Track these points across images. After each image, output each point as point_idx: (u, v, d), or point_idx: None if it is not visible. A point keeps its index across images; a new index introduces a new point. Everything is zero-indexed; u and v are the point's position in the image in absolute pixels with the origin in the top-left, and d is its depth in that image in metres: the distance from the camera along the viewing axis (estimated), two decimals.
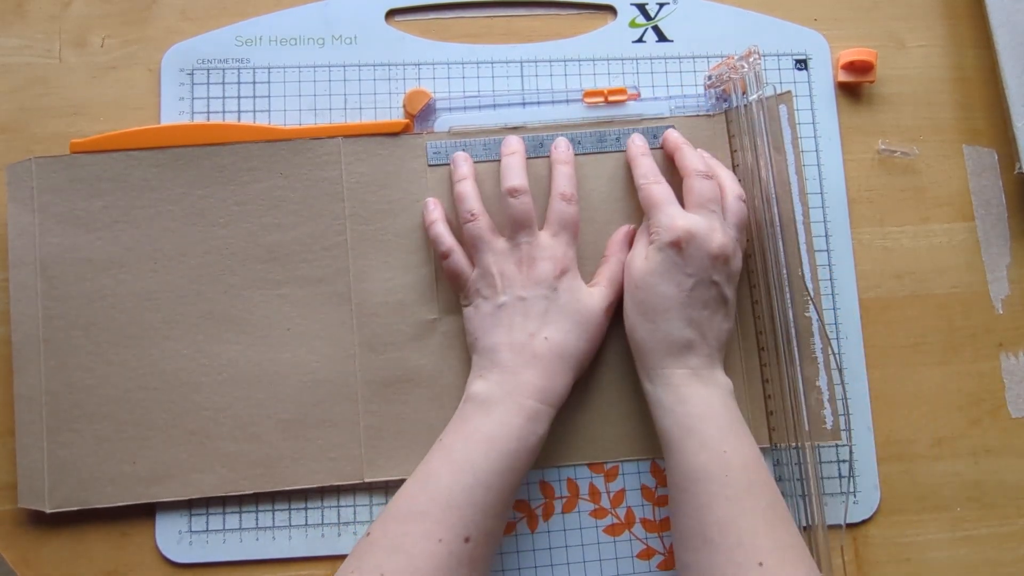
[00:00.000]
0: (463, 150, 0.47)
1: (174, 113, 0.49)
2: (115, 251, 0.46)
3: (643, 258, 0.43)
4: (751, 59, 0.47)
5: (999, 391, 0.50)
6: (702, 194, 0.43)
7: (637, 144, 0.47)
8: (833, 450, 0.48)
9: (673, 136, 0.47)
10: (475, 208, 0.44)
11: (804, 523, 0.45)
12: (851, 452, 0.48)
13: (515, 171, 0.45)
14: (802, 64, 0.52)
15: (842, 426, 0.48)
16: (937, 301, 0.51)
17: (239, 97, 0.49)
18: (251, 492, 0.45)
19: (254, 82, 0.49)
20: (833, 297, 0.50)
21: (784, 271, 0.46)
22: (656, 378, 0.42)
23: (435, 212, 0.46)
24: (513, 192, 0.44)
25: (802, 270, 0.47)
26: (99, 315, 0.46)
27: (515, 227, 0.44)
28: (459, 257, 0.45)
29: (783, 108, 0.48)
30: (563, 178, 0.45)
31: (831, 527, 0.46)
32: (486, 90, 0.50)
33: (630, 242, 0.46)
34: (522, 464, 0.40)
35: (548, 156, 0.47)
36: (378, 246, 0.47)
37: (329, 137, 0.47)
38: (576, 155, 0.47)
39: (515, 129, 0.48)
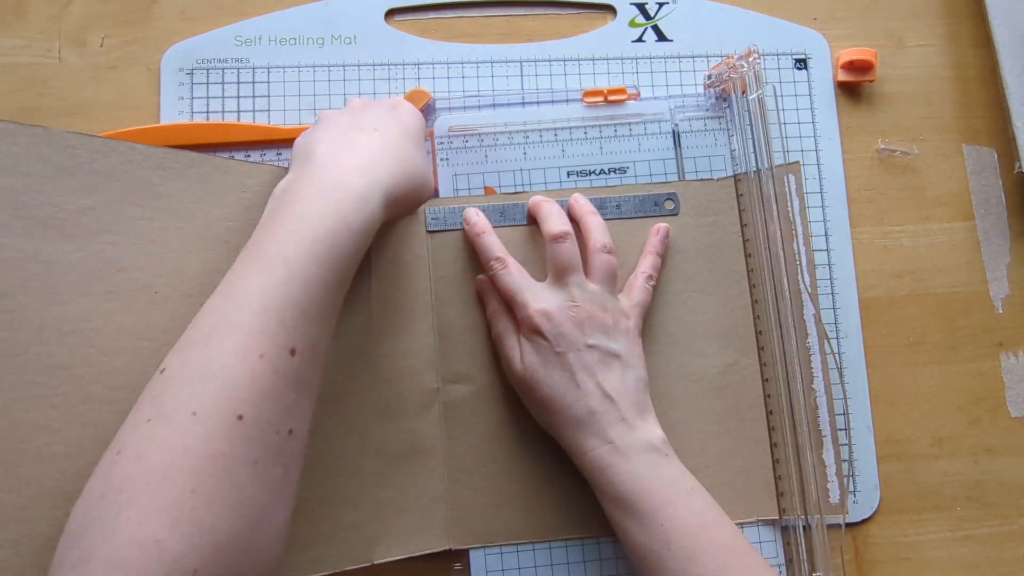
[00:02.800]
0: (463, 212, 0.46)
1: (174, 113, 0.49)
2: (101, 269, 0.35)
3: (519, 359, 0.42)
4: (751, 59, 0.47)
5: (999, 390, 0.50)
6: (556, 262, 0.43)
7: (472, 221, 0.45)
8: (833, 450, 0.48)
9: (533, 202, 0.46)
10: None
11: (803, 523, 0.45)
12: (851, 452, 0.48)
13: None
14: (802, 64, 0.52)
15: (841, 425, 0.48)
16: (937, 300, 0.51)
17: (239, 97, 0.49)
18: None
19: (254, 82, 0.49)
20: (833, 296, 0.50)
21: (794, 342, 0.46)
22: (584, 463, 0.41)
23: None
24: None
25: (809, 341, 0.47)
26: (73, 355, 0.34)
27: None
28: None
29: (791, 177, 0.48)
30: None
31: (831, 527, 0.45)
32: (486, 90, 0.50)
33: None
34: (344, 251, 0.34)
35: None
36: (384, 310, 0.45)
37: None
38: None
39: (513, 134, 0.48)
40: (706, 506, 0.39)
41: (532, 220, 0.46)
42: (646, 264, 0.46)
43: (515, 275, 0.43)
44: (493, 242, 0.44)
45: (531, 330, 0.42)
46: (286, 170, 0.40)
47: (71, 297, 0.35)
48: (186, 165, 0.38)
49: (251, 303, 0.31)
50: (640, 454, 0.40)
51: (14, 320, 0.34)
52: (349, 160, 0.37)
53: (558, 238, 0.43)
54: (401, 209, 0.39)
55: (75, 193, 0.36)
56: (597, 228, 0.45)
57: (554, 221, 0.44)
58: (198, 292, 0.37)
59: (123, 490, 0.27)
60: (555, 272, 0.43)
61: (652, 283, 0.45)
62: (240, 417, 0.29)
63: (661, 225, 0.47)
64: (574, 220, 0.45)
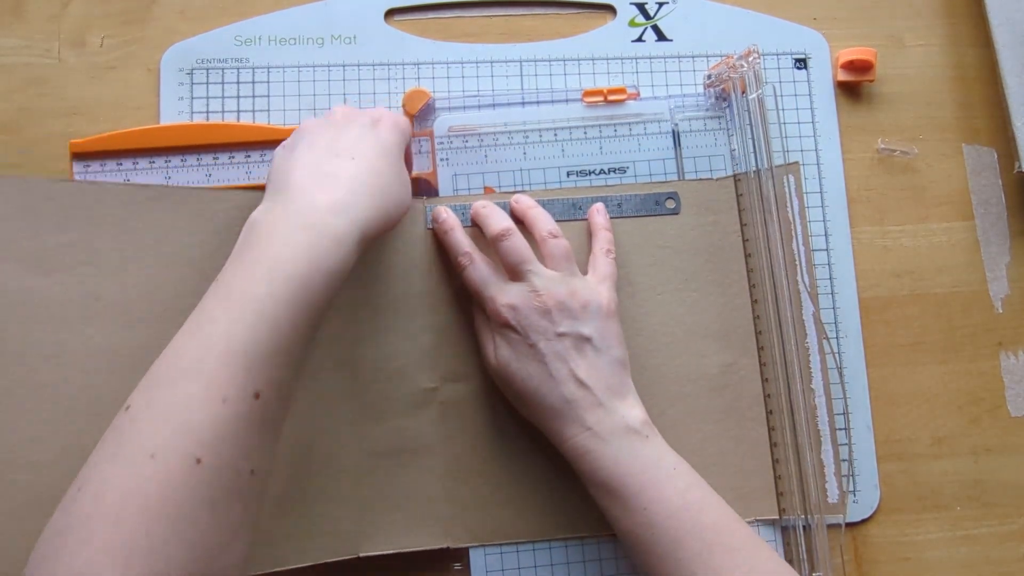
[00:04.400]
0: (463, 213, 0.46)
1: (173, 113, 0.49)
2: (79, 299, 0.39)
3: (492, 354, 0.42)
4: (750, 58, 0.47)
5: (999, 390, 0.50)
6: (505, 259, 0.43)
7: (441, 219, 0.45)
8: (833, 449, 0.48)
9: (474, 210, 0.45)
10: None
11: (803, 523, 0.45)
12: (851, 451, 0.48)
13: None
14: (801, 63, 0.52)
15: (841, 425, 0.48)
16: (937, 300, 0.51)
17: (238, 97, 0.49)
18: None
19: (253, 82, 0.49)
20: (832, 296, 0.50)
21: (793, 339, 0.46)
22: (565, 451, 0.41)
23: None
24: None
25: (808, 341, 0.47)
26: (55, 375, 0.39)
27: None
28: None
29: (790, 178, 0.48)
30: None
31: (831, 526, 0.45)
32: (486, 90, 0.50)
33: None
34: (316, 294, 0.33)
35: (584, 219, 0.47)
36: (378, 311, 0.45)
37: None
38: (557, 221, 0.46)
39: (512, 134, 0.48)
40: (690, 486, 0.39)
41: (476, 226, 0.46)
42: (601, 240, 0.46)
43: (481, 271, 0.43)
44: (460, 239, 0.44)
45: (501, 324, 0.42)
46: (254, 195, 0.40)
47: (52, 325, 0.39)
48: (154, 198, 0.42)
49: (217, 345, 0.31)
50: (619, 438, 0.40)
51: (12, 349, 0.39)
52: (324, 196, 0.36)
53: (500, 237, 0.43)
54: (377, 238, 0.39)
55: (52, 233, 0.40)
56: (540, 218, 0.44)
57: (493, 222, 0.44)
58: (171, 313, 0.40)
59: (78, 528, 0.28)
60: (508, 269, 0.43)
61: (612, 256, 0.45)
62: (199, 460, 0.29)
63: (597, 204, 0.47)
64: (519, 221, 0.45)
